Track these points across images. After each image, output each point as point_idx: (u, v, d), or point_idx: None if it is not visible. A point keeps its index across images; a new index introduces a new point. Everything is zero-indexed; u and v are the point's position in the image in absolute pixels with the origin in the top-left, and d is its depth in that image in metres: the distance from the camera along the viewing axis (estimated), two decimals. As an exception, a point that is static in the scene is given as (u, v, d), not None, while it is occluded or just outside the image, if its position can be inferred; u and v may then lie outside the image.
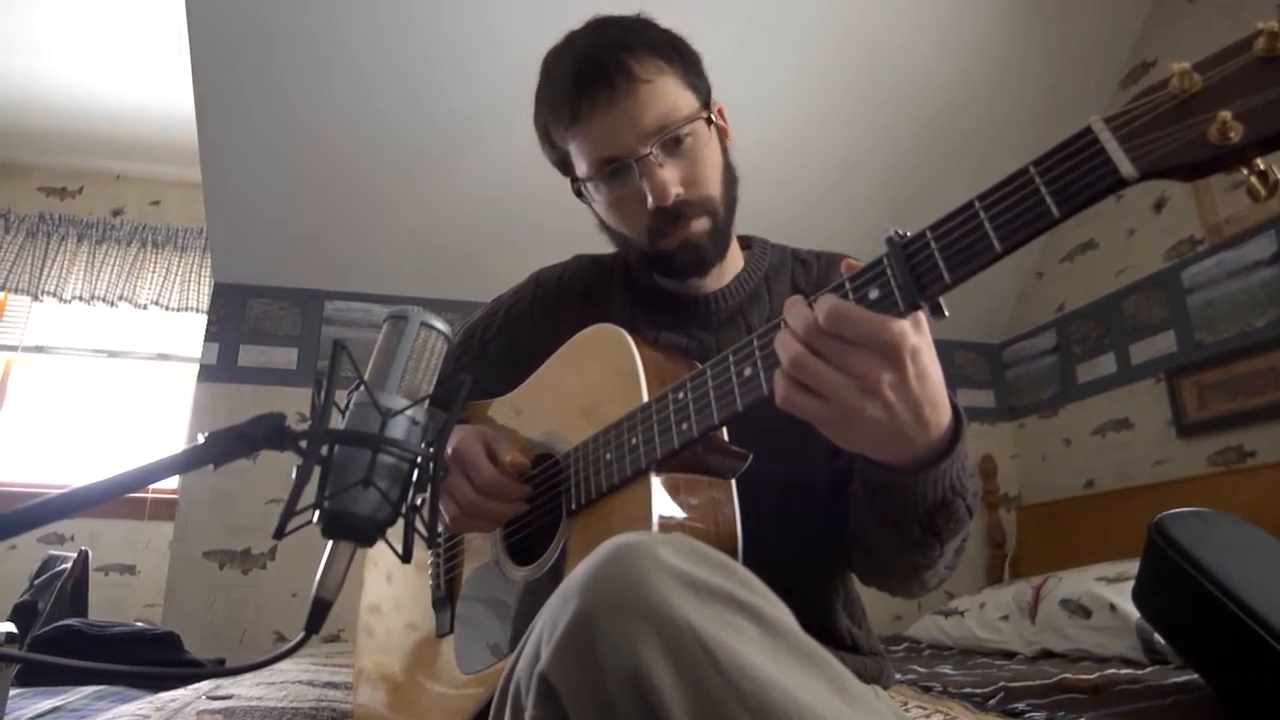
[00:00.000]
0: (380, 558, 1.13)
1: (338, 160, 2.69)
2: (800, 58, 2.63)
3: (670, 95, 0.84)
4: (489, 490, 0.81)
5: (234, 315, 2.94)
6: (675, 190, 0.83)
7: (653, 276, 0.95)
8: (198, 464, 0.66)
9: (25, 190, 3.77)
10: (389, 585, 1.09)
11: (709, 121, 0.87)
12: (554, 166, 0.96)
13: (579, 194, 0.93)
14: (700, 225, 0.87)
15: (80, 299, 3.59)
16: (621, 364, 0.78)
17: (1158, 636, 1.67)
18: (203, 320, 3.08)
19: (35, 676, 1.73)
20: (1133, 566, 1.44)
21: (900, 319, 0.55)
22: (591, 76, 0.83)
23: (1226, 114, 0.45)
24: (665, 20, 0.91)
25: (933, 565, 0.75)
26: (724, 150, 0.91)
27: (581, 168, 0.88)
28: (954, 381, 3.36)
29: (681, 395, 0.70)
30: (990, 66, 2.79)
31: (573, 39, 0.89)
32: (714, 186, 0.87)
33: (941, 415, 0.61)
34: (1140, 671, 1.65)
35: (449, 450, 0.83)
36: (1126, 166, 0.48)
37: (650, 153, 0.83)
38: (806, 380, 0.57)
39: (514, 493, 0.82)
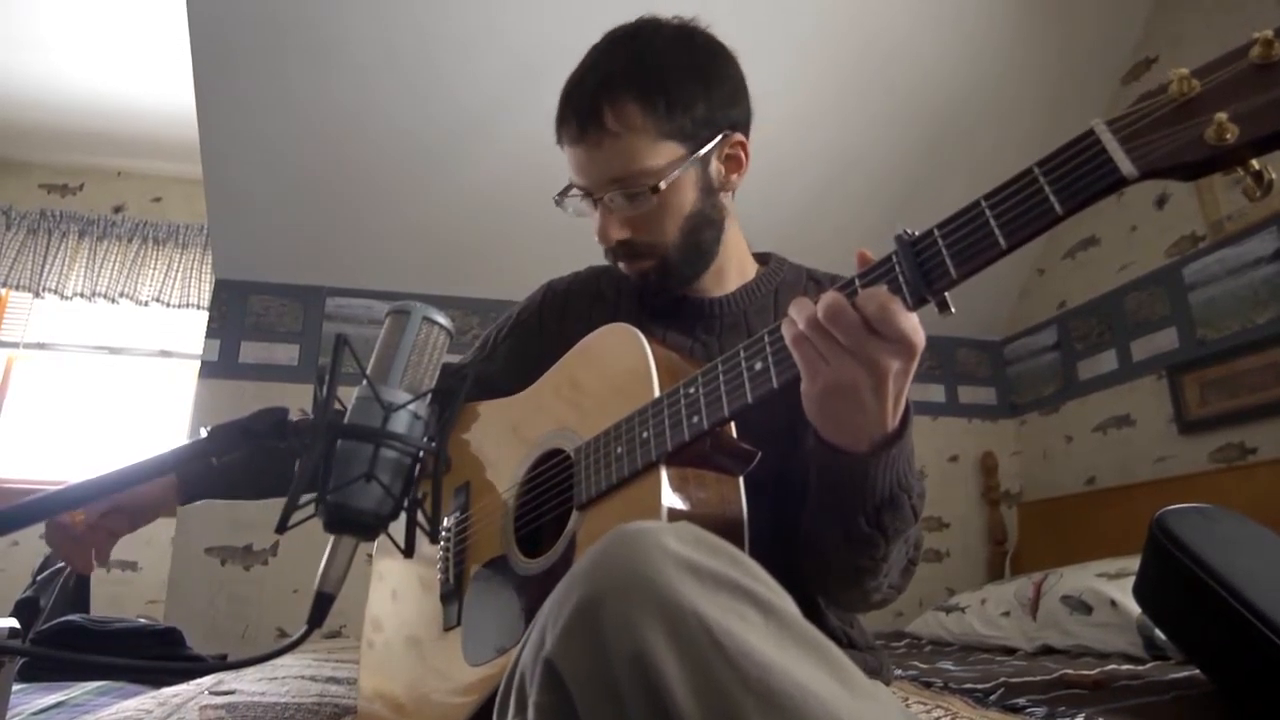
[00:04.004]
0: (386, 573, 1.12)
1: (340, 155, 2.69)
2: (800, 55, 2.62)
3: (636, 151, 0.85)
4: None
5: (235, 311, 2.94)
6: (617, 236, 0.89)
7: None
8: (199, 458, 0.66)
9: (26, 187, 3.78)
10: (393, 602, 1.09)
11: (704, 158, 0.89)
12: None
13: None
14: (646, 265, 0.91)
15: (81, 295, 3.59)
16: (634, 361, 0.79)
17: (1158, 632, 1.67)
18: (204, 316, 3.08)
19: (38, 671, 1.73)
20: (1134, 563, 1.44)
21: (913, 314, 0.59)
22: (568, 114, 0.89)
23: (1223, 116, 0.47)
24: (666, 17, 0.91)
25: (876, 572, 0.75)
26: (708, 189, 0.91)
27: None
28: (956, 378, 3.37)
29: (693, 389, 0.71)
30: (991, 63, 2.79)
31: (587, 57, 0.92)
32: (667, 234, 0.89)
33: (902, 407, 0.67)
34: (1141, 667, 1.65)
35: None
36: (1127, 166, 0.50)
37: (604, 197, 0.88)
38: (825, 353, 0.61)
39: None
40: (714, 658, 0.45)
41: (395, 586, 1.09)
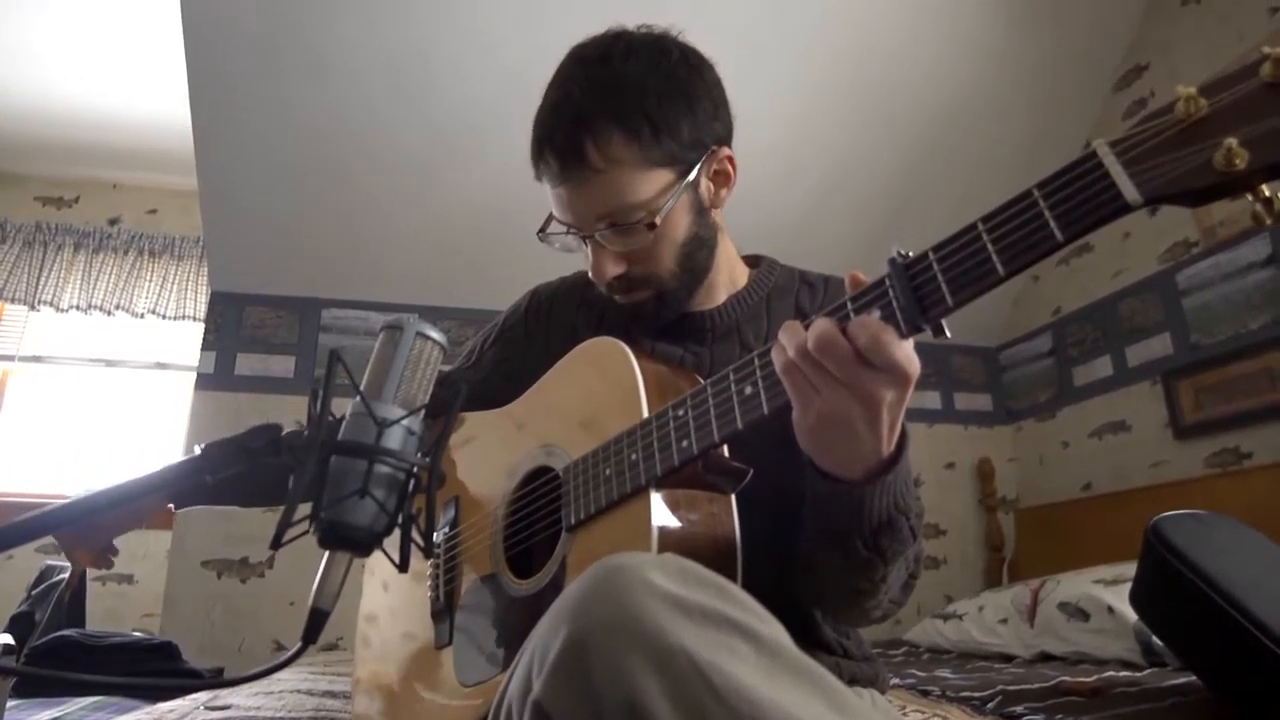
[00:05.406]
0: (377, 566, 1.12)
1: (335, 168, 2.69)
2: (798, 63, 2.64)
3: (625, 185, 0.81)
4: None
5: (231, 323, 2.94)
6: (613, 273, 0.86)
7: None
8: (194, 475, 0.67)
9: (22, 199, 3.78)
10: (386, 594, 1.09)
11: (695, 180, 0.84)
12: None
13: None
14: (644, 295, 0.89)
15: (77, 308, 3.58)
16: (621, 377, 0.78)
17: (1155, 639, 1.67)
18: (200, 329, 3.08)
19: (33, 687, 1.73)
20: (1130, 569, 1.45)
21: (907, 341, 0.58)
22: (546, 151, 0.83)
23: (1233, 140, 0.45)
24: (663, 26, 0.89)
25: (875, 593, 0.74)
26: (700, 211, 0.87)
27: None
28: (951, 385, 3.37)
29: (682, 412, 0.70)
30: (984, 71, 2.80)
31: (556, 78, 0.86)
32: (664, 264, 0.86)
33: (898, 433, 0.65)
34: (1138, 674, 1.65)
35: None
36: (1131, 192, 0.48)
37: (595, 234, 0.84)
38: (817, 384, 0.59)
39: None
40: (706, 699, 0.44)
41: (386, 579, 1.10)
